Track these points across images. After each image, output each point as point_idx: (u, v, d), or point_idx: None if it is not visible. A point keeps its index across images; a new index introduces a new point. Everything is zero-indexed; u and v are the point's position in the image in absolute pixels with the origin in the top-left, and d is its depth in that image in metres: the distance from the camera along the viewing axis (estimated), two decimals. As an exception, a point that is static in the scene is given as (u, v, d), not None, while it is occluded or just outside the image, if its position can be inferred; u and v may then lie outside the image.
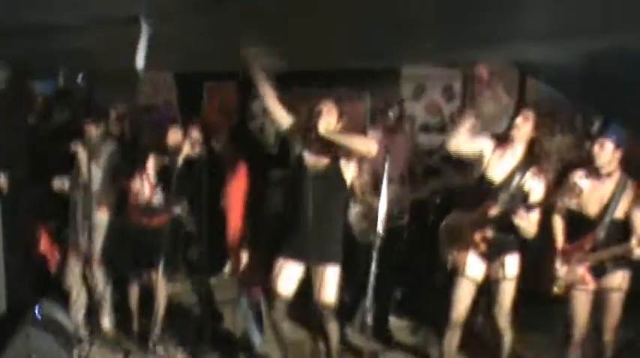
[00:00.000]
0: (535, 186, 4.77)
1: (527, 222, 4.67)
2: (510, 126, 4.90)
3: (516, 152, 4.85)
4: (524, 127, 4.81)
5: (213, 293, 6.26)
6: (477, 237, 4.83)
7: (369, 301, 4.55)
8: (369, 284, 4.53)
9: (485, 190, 4.87)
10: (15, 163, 6.13)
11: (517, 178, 4.76)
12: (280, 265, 4.95)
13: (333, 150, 4.83)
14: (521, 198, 4.69)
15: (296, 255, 4.91)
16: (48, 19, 5.44)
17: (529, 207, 4.64)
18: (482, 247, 4.86)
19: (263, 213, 5.98)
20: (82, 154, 5.90)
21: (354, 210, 6.01)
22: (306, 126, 4.89)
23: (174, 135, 5.75)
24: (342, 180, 4.87)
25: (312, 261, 4.85)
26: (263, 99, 5.11)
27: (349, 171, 4.90)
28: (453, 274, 5.03)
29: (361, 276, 5.70)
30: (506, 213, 4.69)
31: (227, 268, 6.43)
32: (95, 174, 5.88)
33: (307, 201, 4.76)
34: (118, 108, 7.28)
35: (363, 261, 5.71)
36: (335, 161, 4.85)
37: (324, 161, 4.85)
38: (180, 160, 5.52)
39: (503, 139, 4.93)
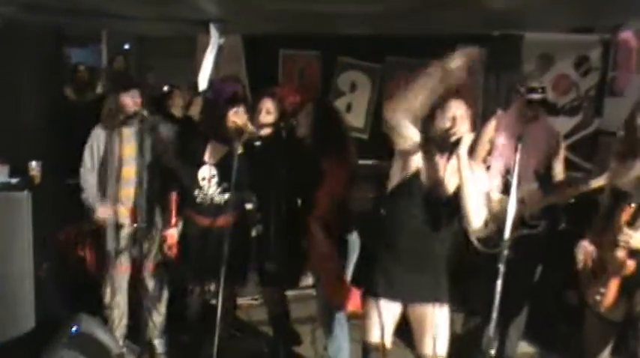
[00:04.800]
0: None
1: None
2: None
3: None
4: None
5: (289, 309, 6.03)
6: (621, 254, 4.31)
7: (492, 327, 4.14)
8: (493, 305, 4.10)
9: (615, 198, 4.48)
10: (50, 149, 5.98)
11: None
12: (374, 308, 4.41)
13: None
14: None
15: (395, 294, 4.38)
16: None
17: None
18: (631, 266, 4.32)
19: (349, 213, 5.61)
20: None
21: None
22: (437, 135, 4.25)
23: (235, 116, 5.44)
24: None
25: (418, 301, 4.37)
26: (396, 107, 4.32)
27: None
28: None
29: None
30: None
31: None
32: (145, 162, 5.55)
33: (416, 229, 4.27)
34: (182, 88, 7.08)
35: (484, 275, 5.44)
36: None
37: (452, 183, 4.27)
38: (239, 146, 5.22)
39: None
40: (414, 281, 4.32)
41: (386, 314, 4.35)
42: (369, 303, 4.43)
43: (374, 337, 4.39)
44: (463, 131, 4.12)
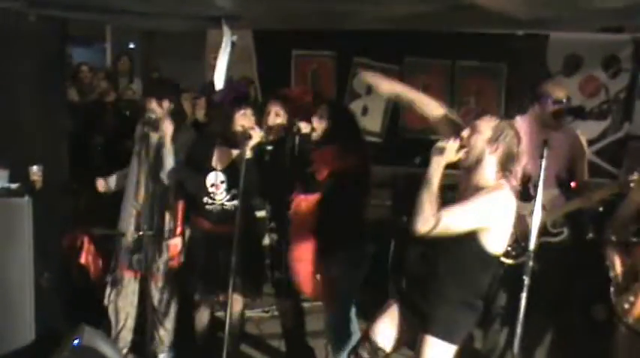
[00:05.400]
0: None
1: None
2: None
3: None
4: None
5: (304, 321, 5.98)
6: None
7: (516, 344, 4.08)
8: (517, 322, 4.05)
9: None
10: (52, 153, 5.94)
11: None
12: (386, 308, 4.40)
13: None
14: None
15: (404, 308, 4.36)
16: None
17: None
18: None
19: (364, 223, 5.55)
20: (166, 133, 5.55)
21: None
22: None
23: (242, 119, 5.44)
24: None
25: (414, 323, 4.26)
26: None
27: None
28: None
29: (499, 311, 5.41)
30: None
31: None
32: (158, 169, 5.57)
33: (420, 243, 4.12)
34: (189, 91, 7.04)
35: (505, 288, 5.40)
36: None
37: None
38: (248, 151, 5.19)
39: None
40: (415, 301, 4.24)
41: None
42: (389, 304, 4.40)
43: (381, 339, 4.35)
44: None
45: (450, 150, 3.96)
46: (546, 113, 5.48)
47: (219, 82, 5.54)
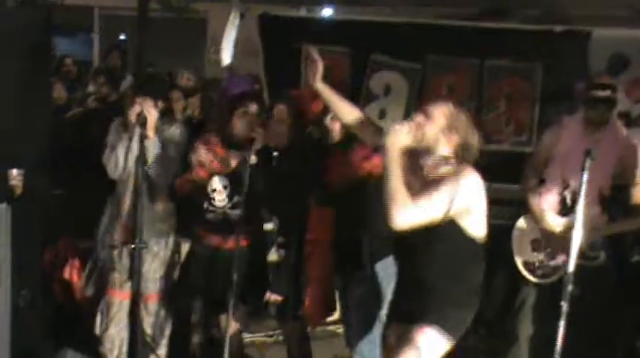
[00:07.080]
0: None
1: None
2: None
3: None
4: None
5: (310, 347, 5.92)
6: None
7: None
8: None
9: None
10: (34, 156, 5.92)
11: None
12: (393, 333, 4.38)
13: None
14: None
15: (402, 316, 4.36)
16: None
17: None
18: None
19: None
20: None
21: (527, 235, 5.63)
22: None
23: (242, 119, 5.44)
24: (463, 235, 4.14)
25: (398, 320, 4.35)
26: None
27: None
28: None
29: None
30: None
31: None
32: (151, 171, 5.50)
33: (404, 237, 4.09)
34: (184, 78, 6.98)
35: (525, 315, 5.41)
36: None
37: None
38: (252, 156, 5.15)
39: None
40: (400, 299, 4.35)
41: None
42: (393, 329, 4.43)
43: None
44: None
45: (400, 134, 4.00)
46: (587, 105, 5.47)
47: (226, 57, 5.53)
